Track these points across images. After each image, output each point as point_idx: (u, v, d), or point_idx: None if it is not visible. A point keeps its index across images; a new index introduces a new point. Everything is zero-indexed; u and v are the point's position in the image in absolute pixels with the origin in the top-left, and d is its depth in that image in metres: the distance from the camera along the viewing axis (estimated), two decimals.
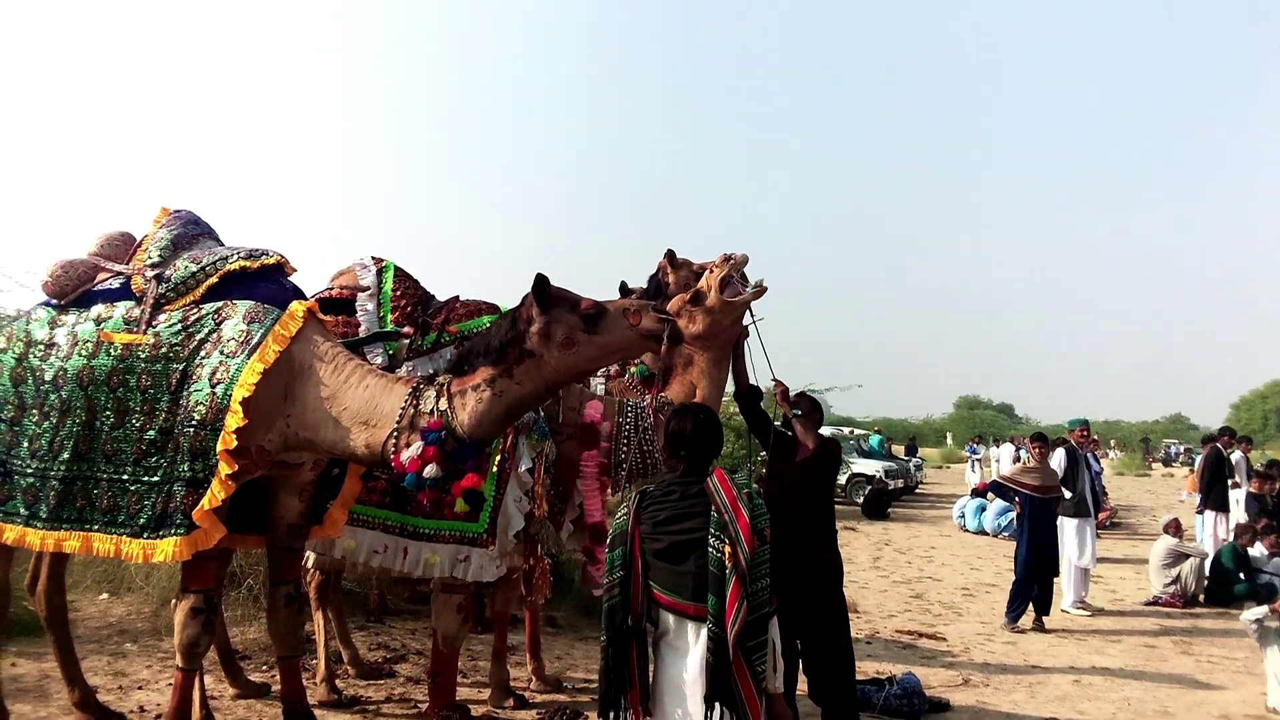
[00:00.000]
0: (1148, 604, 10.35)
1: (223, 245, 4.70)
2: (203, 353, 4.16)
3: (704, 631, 3.05)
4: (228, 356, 4.10)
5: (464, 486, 3.96)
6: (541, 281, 3.90)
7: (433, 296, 5.33)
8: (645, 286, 5.90)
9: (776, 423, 5.63)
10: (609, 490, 5.54)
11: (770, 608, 3.07)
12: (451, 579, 4.77)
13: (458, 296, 5.28)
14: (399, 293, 5.19)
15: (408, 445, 3.94)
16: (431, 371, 4.72)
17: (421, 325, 5.04)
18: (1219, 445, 12.58)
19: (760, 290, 5.27)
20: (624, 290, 5.66)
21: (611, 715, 3.18)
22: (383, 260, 5.33)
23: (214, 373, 4.07)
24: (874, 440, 25.40)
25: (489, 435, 4.08)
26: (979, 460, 26.77)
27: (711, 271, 5.34)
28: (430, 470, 3.87)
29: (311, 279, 4.77)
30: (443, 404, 3.97)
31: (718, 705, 2.98)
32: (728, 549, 3.02)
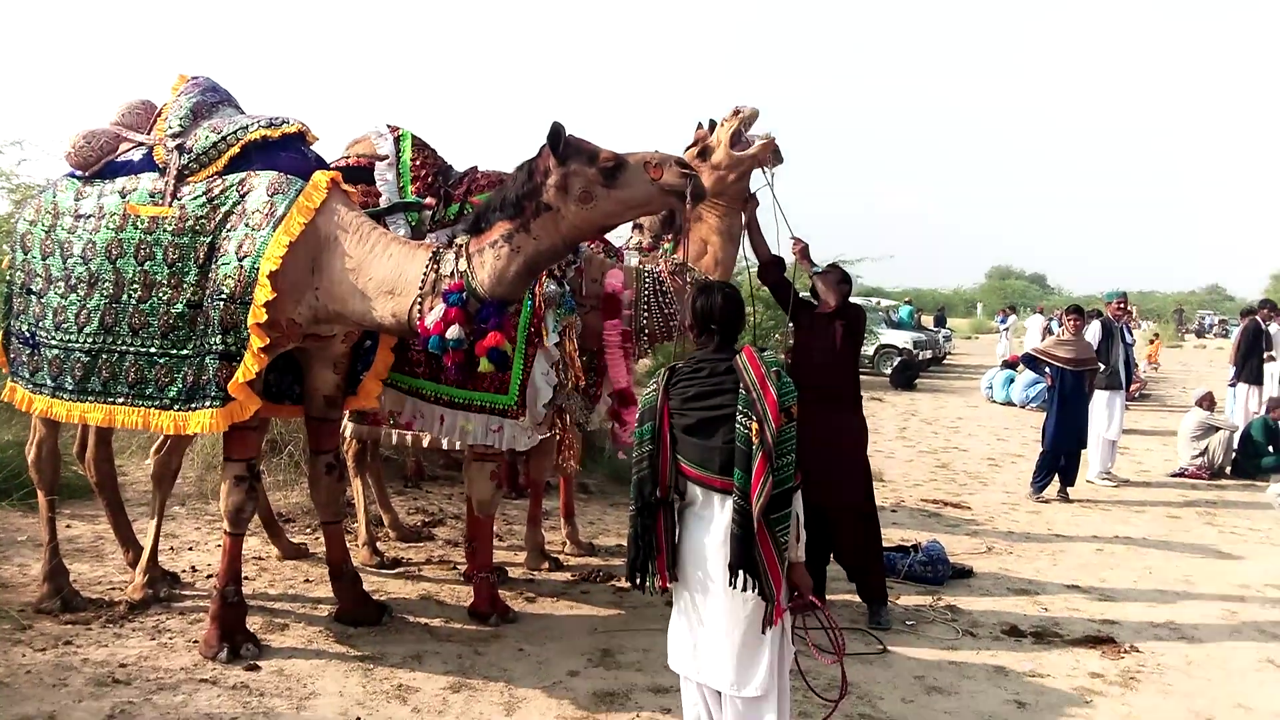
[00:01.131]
0: (1174, 475, 10.40)
1: (242, 113, 4.63)
2: (228, 225, 4.16)
3: (729, 503, 3.13)
4: (253, 229, 4.08)
5: (487, 345, 3.96)
6: (557, 130, 3.78)
7: (451, 167, 5.25)
8: None
9: (803, 292, 5.58)
10: (633, 356, 5.57)
11: (794, 483, 3.13)
12: (485, 448, 4.87)
13: (476, 167, 5.18)
14: (418, 162, 5.11)
15: (431, 310, 3.95)
16: (450, 235, 4.71)
17: (444, 196, 4.98)
18: (1258, 318, 12.38)
19: (768, 142, 5.11)
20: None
21: (638, 579, 3.29)
22: (399, 129, 5.23)
23: (240, 246, 4.07)
24: (903, 311, 25.28)
25: (510, 294, 4.05)
26: (1009, 330, 26.40)
27: (722, 125, 5.19)
28: (453, 332, 3.88)
29: (324, 147, 4.69)
30: (462, 265, 3.95)
31: (741, 572, 3.08)
32: (755, 425, 3.06)
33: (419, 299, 4.00)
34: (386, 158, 5.04)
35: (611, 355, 5.18)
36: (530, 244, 3.91)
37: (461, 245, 4.02)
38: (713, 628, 3.19)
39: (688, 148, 5.32)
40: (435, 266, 4.01)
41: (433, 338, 3.91)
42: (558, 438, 5.24)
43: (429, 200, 4.87)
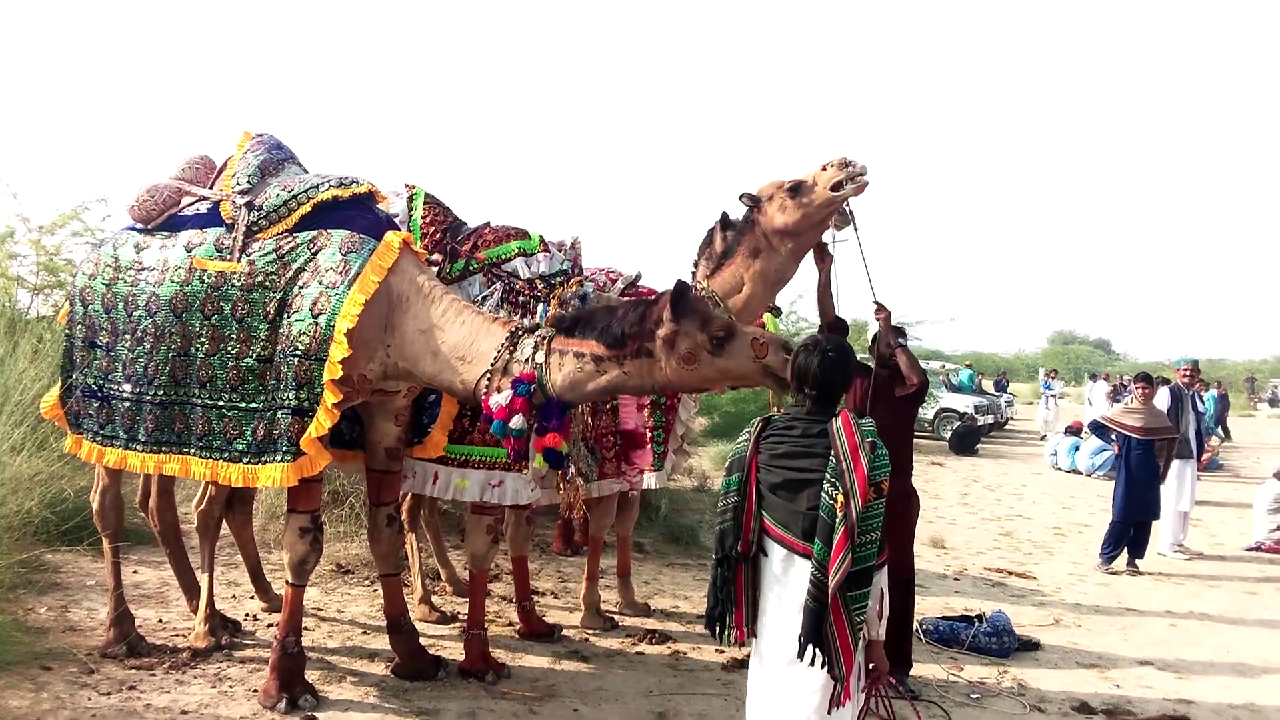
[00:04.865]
0: (1250, 549, 10.01)
1: (305, 171, 4.73)
2: (300, 282, 4.22)
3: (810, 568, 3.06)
4: (328, 287, 4.16)
5: (545, 444, 4.00)
6: (682, 289, 3.83)
7: (463, 223, 5.31)
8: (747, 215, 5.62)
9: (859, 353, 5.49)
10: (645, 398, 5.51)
11: (876, 560, 3.03)
12: (482, 503, 4.86)
13: (488, 223, 5.24)
14: (428, 220, 5.18)
15: (499, 390, 3.99)
16: (480, 296, 4.79)
17: (450, 253, 5.01)
18: None
19: (861, 184, 4.84)
20: (725, 221, 5.48)
21: (717, 629, 3.25)
22: (414, 187, 5.33)
23: (315, 303, 4.14)
24: (964, 375, 24.87)
25: (577, 402, 4.16)
26: (1054, 397, 25.22)
27: (824, 170, 4.92)
28: (517, 421, 3.92)
29: None
30: (539, 357, 3.99)
31: (811, 647, 3.00)
32: (840, 498, 2.97)
33: (489, 374, 4.05)
34: (398, 215, 5.11)
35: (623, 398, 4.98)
36: (618, 376, 3.95)
37: (544, 337, 4.04)
38: (788, 690, 3.12)
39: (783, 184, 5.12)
40: (511, 348, 4.06)
41: (495, 422, 3.97)
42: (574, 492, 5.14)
43: (435, 257, 4.92)
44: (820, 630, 2.98)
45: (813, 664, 3.01)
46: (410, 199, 5.24)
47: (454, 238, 5.15)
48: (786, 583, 3.13)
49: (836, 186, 4.86)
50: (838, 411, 3.19)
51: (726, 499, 3.24)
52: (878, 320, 5.29)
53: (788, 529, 3.11)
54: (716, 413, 12.85)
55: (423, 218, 5.19)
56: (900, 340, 5.25)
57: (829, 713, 3.04)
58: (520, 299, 4.90)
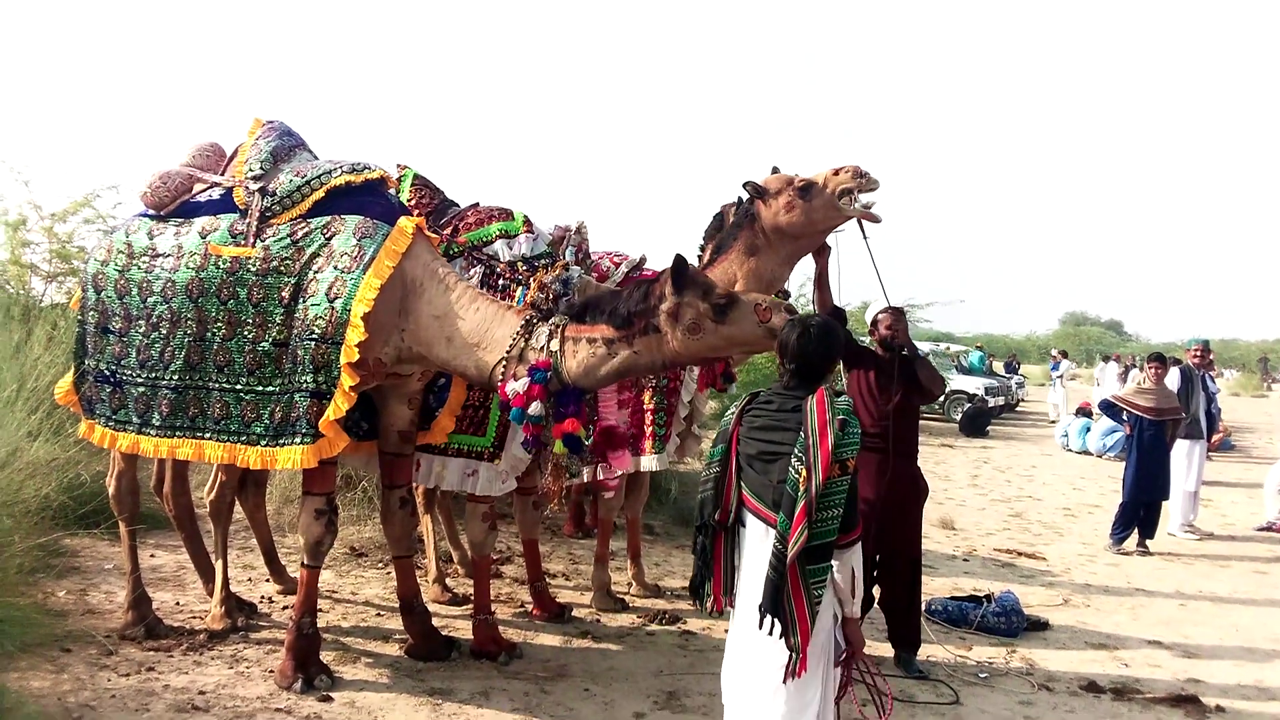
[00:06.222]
0: (1260, 530, 9.99)
1: (315, 157, 4.75)
2: (315, 267, 4.26)
3: None
4: (343, 272, 4.19)
5: (564, 430, 4.05)
6: (681, 263, 3.89)
7: (453, 204, 5.29)
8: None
9: (863, 339, 5.51)
10: (632, 391, 5.64)
11: (838, 539, 3.06)
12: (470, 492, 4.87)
13: (477, 203, 5.23)
14: (413, 201, 5.18)
15: (515, 378, 4.04)
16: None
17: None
18: None
19: (872, 215, 4.82)
20: (738, 205, 5.46)
21: (699, 597, 3.36)
22: (406, 167, 5.31)
23: (330, 287, 4.18)
24: (974, 357, 24.82)
25: (593, 387, 4.22)
26: (1061, 378, 24.58)
27: (836, 173, 4.81)
28: (535, 408, 3.99)
29: None
30: (554, 345, 4.04)
31: (769, 617, 3.05)
32: (804, 472, 3.02)
33: (504, 361, 4.11)
34: None
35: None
36: (629, 356, 4.01)
37: (558, 325, 4.10)
38: (756, 659, 3.16)
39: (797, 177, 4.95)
40: (526, 335, 4.12)
41: (514, 409, 4.02)
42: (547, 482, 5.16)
43: None
44: (778, 601, 3.03)
45: (769, 634, 3.05)
46: (399, 180, 5.23)
47: (438, 220, 5.13)
48: (761, 551, 3.16)
49: (845, 193, 4.77)
50: (815, 389, 3.22)
51: (710, 469, 3.32)
52: (888, 325, 5.27)
53: (761, 500, 3.17)
54: (725, 395, 12.85)
55: (409, 199, 5.19)
56: (921, 352, 5.29)
57: (784, 682, 3.07)
58: (500, 282, 4.88)
